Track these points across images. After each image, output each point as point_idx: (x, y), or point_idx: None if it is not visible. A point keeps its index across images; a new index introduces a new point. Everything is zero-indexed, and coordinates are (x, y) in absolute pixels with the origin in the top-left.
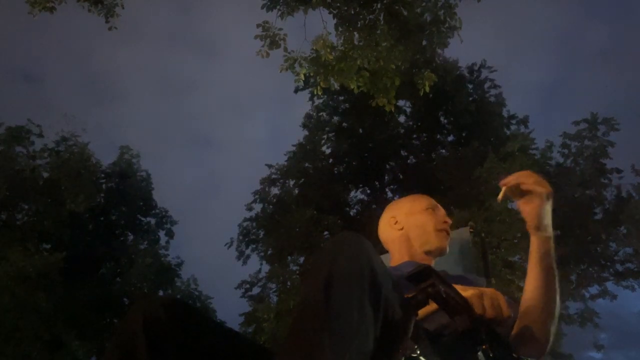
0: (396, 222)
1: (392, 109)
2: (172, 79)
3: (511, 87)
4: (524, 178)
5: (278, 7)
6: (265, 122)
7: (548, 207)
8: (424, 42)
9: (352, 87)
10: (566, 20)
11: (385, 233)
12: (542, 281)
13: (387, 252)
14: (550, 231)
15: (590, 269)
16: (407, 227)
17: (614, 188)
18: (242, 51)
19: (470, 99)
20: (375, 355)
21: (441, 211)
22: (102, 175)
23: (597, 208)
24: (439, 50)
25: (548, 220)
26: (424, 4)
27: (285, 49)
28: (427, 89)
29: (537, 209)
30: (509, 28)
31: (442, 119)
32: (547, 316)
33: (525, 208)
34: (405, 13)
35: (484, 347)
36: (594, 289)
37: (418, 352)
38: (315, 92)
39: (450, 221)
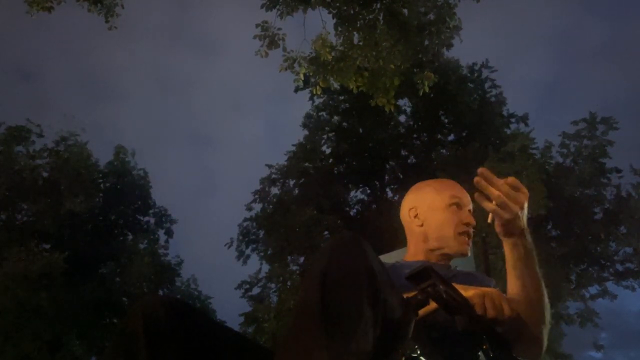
0: (416, 215)
1: (392, 109)
2: (171, 78)
3: (510, 86)
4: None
5: (277, 6)
6: (264, 120)
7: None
8: (426, 42)
9: (351, 87)
10: (565, 19)
11: (405, 222)
12: (518, 288)
13: (386, 252)
14: (516, 239)
15: (590, 269)
16: (427, 225)
17: (613, 188)
18: (241, 50)
19: (472, 98)
20: (376, 355)
21: (466, 207)
22: (100, 174)
23: (597, 208)
24: (444, 50)
25: (515, 229)
26: (429, 3)
27: (285, 49)
28: (427, 89)
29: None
30: (508, 27)
31: (442, 118)
32: (533, 321)
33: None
34: (405, 13)
35: (484, 347)
36: (594, 289)
37: (418, 352)
38: (314, 92)
39: (473, 222)
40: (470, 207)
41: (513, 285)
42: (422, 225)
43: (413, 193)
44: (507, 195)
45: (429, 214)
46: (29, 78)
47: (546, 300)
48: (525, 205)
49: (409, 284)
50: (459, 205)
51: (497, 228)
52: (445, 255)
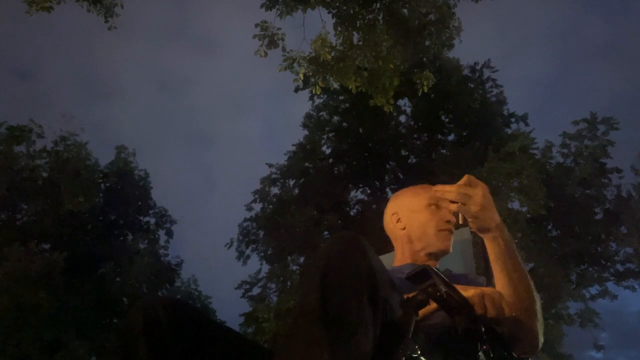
0: (398, 219)
1: (391, 109)
2: (171, 77)
3: (511, 86)
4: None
5: (277, 6)
6: (264, 120)
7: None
8: (427, 43)
9: (350, 87)
10: (565, 18)
11: (389, 229)
12: (504, 281)
13: (386, 252)
14: (494, 232)
15: (590, 269)
16: (409, 227)
17: (614, 188)
18: (241, 48)
19: (473, 98)
20: (376, 356)
21: (444, 207)
22: (101, 174)
23: (597, 208)
24: (445, 50)
25: (488, 222)
26: (428, 3)
27: (284, 49)
28: (426, 89)
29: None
30: (508, 26)
31: (443, 118)
32: (526, 316)
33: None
34: (405, 13)
35: (484, 347)
36: (594, 289)
37: (418, 352)
38: (314, 92)
39: (454, 219)
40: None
41: (499, 279)
42: (404, 228)
43: (392, 201)
44: (464, 191)
45: (410, 216)
46: (27, 77)
47: (534, 290)
48: (489, 197)
49: (407, 286)
50: (437, 205)
51: (471, 225)
52: (430, 255)
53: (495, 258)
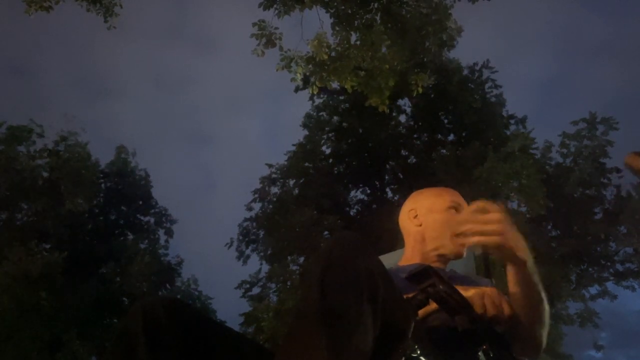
0: (416, 216)
1: (385, 110)
2: (170, 76)
3: (511, 86)
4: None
5: (275, 5)
6: (264, 119)
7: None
8: (427, 43)
9: (346, 86)
10: (565, 17)
11: (404, 224)
12: (521, 300)
13: (387, 252)
14: (521, 260)
15: (590, 269)
16: (425, 225)
17: (613, 188)
18: (240, 47)
19: (473, 98)
20: (376, 355)
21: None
22: (102, 174)
23: (596, 208)
24: (444, 50)
25: (514, 250)
26: (424, 3)
27: (281, 48)
28: (420, 90)
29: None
30: (507, 26)
31: (443, 118)
32: (532, 321)
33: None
34: (402, 13)
35: (484, 347)
36: (594, 289)
37: (418, 352)
38: (311, 92)
39: None
40: None
41: (514, 296)
42: (420, 225)
43: (412, 198)
44: (477, 222)
45: (428, 215)
46: (27, 77)
47: (545, 303)
48: (505, 220)
49: (407, 286)
50: (457, 210)
51: (495, 255)
52: (441, 257)
53: (517, 283)
